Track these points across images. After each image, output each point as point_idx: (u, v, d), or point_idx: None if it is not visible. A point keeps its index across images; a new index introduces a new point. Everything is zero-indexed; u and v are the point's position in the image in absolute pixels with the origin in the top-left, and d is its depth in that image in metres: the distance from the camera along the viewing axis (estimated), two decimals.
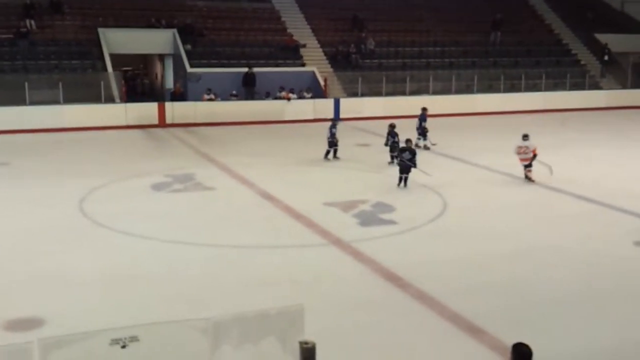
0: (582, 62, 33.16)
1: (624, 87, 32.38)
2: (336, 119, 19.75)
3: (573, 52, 33.78)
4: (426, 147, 20.31)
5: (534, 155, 16.33)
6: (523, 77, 30.17)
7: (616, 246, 11.71)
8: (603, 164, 18.65)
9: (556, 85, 30.35)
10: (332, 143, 18.92)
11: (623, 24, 35.59)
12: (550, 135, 21.75)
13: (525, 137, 16.65)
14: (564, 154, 18.86)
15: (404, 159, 15.59)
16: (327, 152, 18.92)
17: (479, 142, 21.90)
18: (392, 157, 17.76)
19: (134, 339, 4.06)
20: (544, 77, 30.37)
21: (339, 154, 18.98)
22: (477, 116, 27.40)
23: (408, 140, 16.23)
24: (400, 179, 15.52)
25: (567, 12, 35.99)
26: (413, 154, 15.69)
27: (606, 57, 32.84)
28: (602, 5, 37.02)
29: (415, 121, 20.86)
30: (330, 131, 19.01)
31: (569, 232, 12.51)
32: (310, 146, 21.22)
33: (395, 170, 16.39)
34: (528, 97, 29.38)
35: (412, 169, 15.58)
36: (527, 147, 16.44)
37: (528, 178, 16.34)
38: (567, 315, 8.88)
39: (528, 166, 16.44)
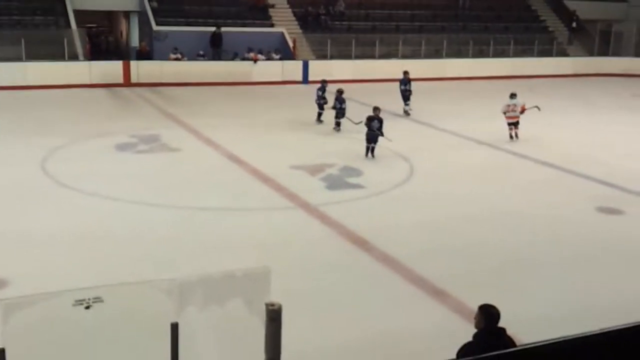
0: (551, 29, 33.33)
1: (591, 54, 32.66)
2: (324, 80, 19.34)
3: (542, 18, 33.91)
4: (406, 113, 20.24)
5: (523, 111, 17.27)
6: (492, 42, 30.23)
7: (578, 212, 11.91)
8: (568, 130, 18.87)
9: (524, 51, 30.51)
10: (320, 105, 18.86)
11: None
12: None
13: (513, 95, 17.49)
14: (529, 120, 19.01)
15: (373, 127, 15.00)
16: (319, 115, 18.89)
17: (447, 107, 21.98)
18: (337, 124, 17.67)
19: (97, 299, 4.01)
20: (512, 43, 30.47)
21: (322, 117, 18.88)
22: (446, 81, 27.46)
23: (376, 108, 15.46)
24: (368, 148, 15.04)
25: None
26: (381, 122, 15.12)
27: (574, 24, 33.04)
28: None
29: (397, 85, 20.76)
30: (317, 93, 18.98)
31: (532, 198, 12.68)
32: (278, 108, 21.11)
33: (361, 133, 16.36)
34: (496, 62, 29.50)
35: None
36: (515, 105, 17.28)
37: (513, 136, 17.21)
38: (529, 279, 9.04)
39: (516, 124, 17.26)
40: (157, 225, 10.54)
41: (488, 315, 5.11)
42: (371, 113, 15.34)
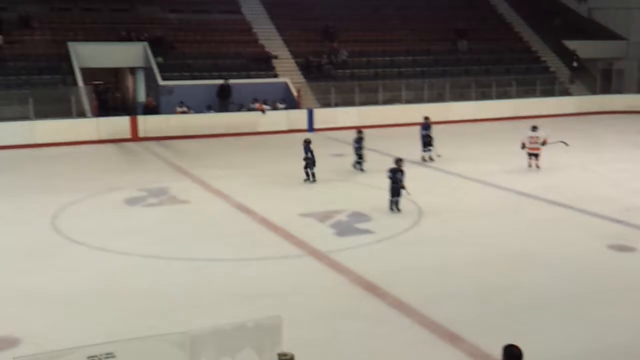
0: (552, 69, 33.62)
1: (593, 92, 32.86)
2: (360, 130, 19.15)
3: (542, 59, 34.24)
4: (431, 159, 19.93)
5: (544, 143, 18.25)
6: (494, 84, 30.49)
7: (590, 250, 11.85)
8: (574, 168, 18.87)
9: (526, 92, 30.75)
10: (359, 155, 18.81)
11: (591, 31, 36.17)
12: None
13: (535, 128, 18.55)
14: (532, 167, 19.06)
15: (397, 180, 14.25)
16: (359, 163, 18.76)
17: (453, 150, 22.04)
18: (307, 174, 17.29)
19: (110, 355, 4.01)
20: (514, 84, 30.73)
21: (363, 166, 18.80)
22: (450, 124, 27.61)
23: (399, 160, 14.61)
24: (392, 202, 14.27)
25: (535, 19, 36.50)
26: (403, 174, 14.41)
27: (575, 64, 33.35)
28: (569, 12, 37.62)
29: (419, 130, 20.50)
30: (354, 145, 18.96)
31: (542, 237, 12.63)
32: (284, 157, 21.23)
33: (364, 178, 16.44)
34: (499, 104, 29.70)
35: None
36: (537, 137, 18.32)
37: (532, 165, 18.32)
38: (543, 319, 8.95)
39: (536, 156, 18.33)
40: (168, 278, 10.53)
41: (509, 356, 5.08)
42: (393, 165, 14.53)
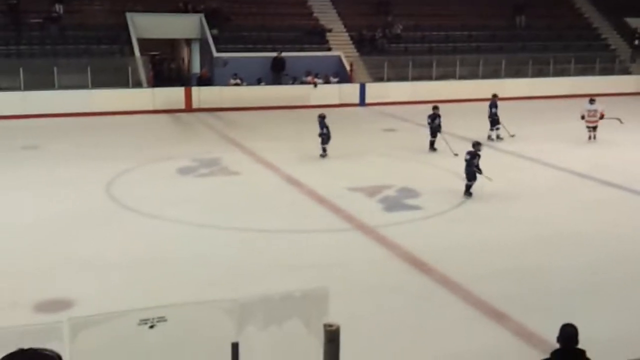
0: (612, 47, 32.62)
1: None
2: (436, 107, 18.31)
3: (603, 36, 33.23)
4: (499, 137, 19.26)
5: (602, 117, 18.63)
6: (552, 61, 29.75)
7: None
8: (631, 149, 18.38)
9: (585, 70, 29.90)
10: (433, 132, 18.00)
11: None
12: (579, 121, 21.52)
13: (592, 100, 18.98)
14: (591, 141, 18.66)
15: (474, 165, 13.61)
16: (432, 143, 18.02)
17: (507, 128, 21.70)
18: (323, 149, 16.95)
19: (161, 319, 4.14)
20: (572, 61, 29.92)
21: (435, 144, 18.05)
22: (505, 101, 27.03)
23: (477, 144, 14.02)
24: (468, 187, 13.69)
25: None
26: (479, 158, 13.77)
27: (637, 42, 32.28)
28: None
29: (486, 109, 19.90)
30: (427, 120, 18.12)
31: (596, 219, 12.41)
32: (335, 131, 21.17)
33: (414, 154, 16.32)
34: (556, 82, 28.98)
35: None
36: (595, 111, 18.78)
37: (592, 137, 18.84)
38: (595, 300, 8.85)
39: (594, 128, 18.80)
40: (218, 248, 10.74)
41: (565, 334, 5.06)
42: (471, 148, 13.87)
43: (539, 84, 28.66)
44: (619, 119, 19.77)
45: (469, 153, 13.78)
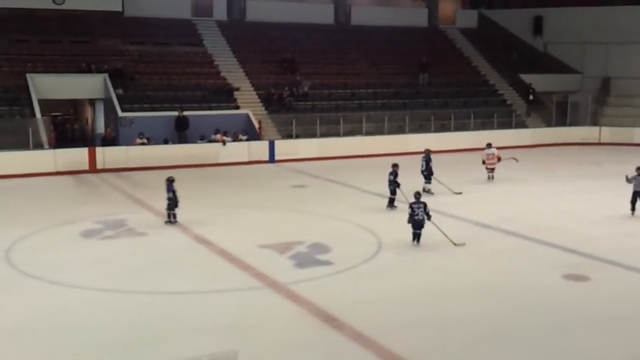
0: (509, 102, 34.33)
1: (549, 125, 33.59)
2: (395, 165, 18.29)
3: (499, 92, 34.97)
4: (430, 191, 19.44)
5: (499, 159, 21.42)
6: (452, 117, 30.98)
7: (545, 280, 12.01)
8: (530, 199, 19.18)
9: (484, 124, 31.25)
10: (392, 191, 17.88)
11: (546, 65, 37.14)
12: (479, 172, 22.33)
13: (489, 145, 21.91)
14: (492, 190, 19.37)
15: (420, 213, 14.11)
16: (391, 200, 17.84)
17: (412, 181, 22.21)
18: (168, 215, 15.99)
19: None
20: (472, 117, 31.25)
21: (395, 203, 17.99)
22: (409, 156, 27.86)
23: (418, 193, 14.58)
24: (415, 235, 14.17)
25: (493, 54, 37.35)
26: (425, 206, 14.21)
27: (531, 97, 34.11)
28: (525, 47, 38.54)
29: (420, 163, 20.20)
30: (389, 178, 17.99)
31: (499, 268, 12.77)
32: (245, 189, 21.19)
33: (325, 209, 16.43)
34: (458, 136, 30.15)
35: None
36: (492, 154, 21.57)
37: (490, 177, 21.68)
38: (501, 351, 9.02)
39: (493, 169, 21.70)
40: (124, 311, 10.36)
41: None
42: (413, 198, 14.41)
43: (441, 138, 29.68)
44: (515, 159, 22.88)
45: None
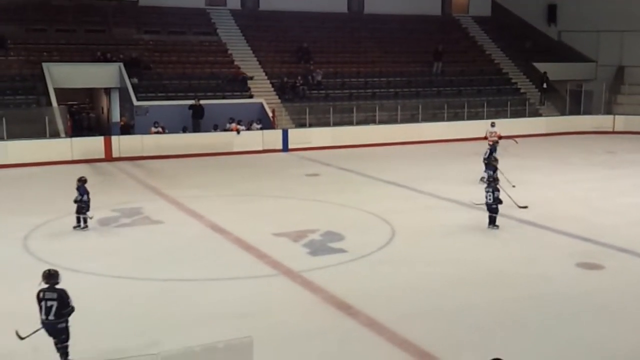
0: (522, 91, 34.18)
1: (562, 113, 33.44)
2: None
3: (513, 81, 34.81)
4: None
5: (500, 137, 22.42)
6: (466, 105, 30.91)
7: (559, 268, 12.06)
8: (544, 188, 19.18)
9: (498, 113, 31.11)
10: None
11: (560, 53, 36.90)
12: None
13: (493, 124, 23.23)
14: (505, 179, 19.28)
15: (488, 197, 14.58)
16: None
17: (425, 170, 22.32)
18: (78, 220, 14.48)
19: None
20: (485, 105, 31.16)
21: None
22: (422, 144, 27.93)
23: (484, 179, 15.39)
24: (489, 218, 14.69)
25: (506, 42, 37.14)
26: (493, 190, 14.57)
27: (545, 85, 33.94)
28: (539, 35, 38.32)
29: (484, 151, 20.07)
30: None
31: (513, 256, 12.83)
32: (259, 177, 21.31)
33: (338, 197, 16.53)
34: (471, 125, 30.05)
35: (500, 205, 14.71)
36: (495, 132, 22.66)
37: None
38: (515, 338, 9.09)
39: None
40: (140, 299, 10.52)
41: None
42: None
43: (454, 127, 29.66)
44: (515, 140, 23.96)
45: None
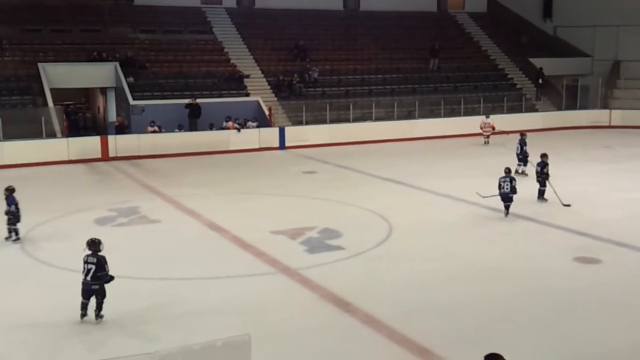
0: (518, 86, 34.21)
1: (559, 108, 33.48)
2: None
3: (509, 76, 34.84)
4: (524, 173, 19.78)
5: (494, 128, 26.12)
6: (462, 101, 30.93)
7: (556, 263, 12.09)
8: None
9: (494, 109, 31.12)
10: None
11: (556, 48, 36.94)
12: (491, 158, 22.37)
13: (487, 116, 26.84)
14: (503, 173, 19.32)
15: (505, 187, 15.16)
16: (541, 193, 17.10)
17: (421, 166, 22.33)
18: (9, 231, 13.62)
19: None
20: (482, 101, 31.19)
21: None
22: (419, 141, 27.94)
23: (508, 169, 15.70)
24: (505, 206, 15.28)
25: (502, 38, 37.17)
26: (511, 180, 15.24)
27: (540, 80, 33.97)
28: (535, 30, 38.35)
29: (516, 146, 20.49)
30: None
31: (510, 251, 12.86)
32: (256, 175, 21.31)
33: (335, 194, 16.55)
34: (467, 121, 30.06)
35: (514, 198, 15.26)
36: (489, 123, 26.25)
37: (487, 142, 26.64)
38: (513, 333, 9.11)
39: (488, 137, 26.61)
40: (138, 298, 10.51)
41: None
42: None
43: (451, 123, 29.68)
44: (506, 132, 26.22)
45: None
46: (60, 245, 13.46)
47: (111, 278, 9.55)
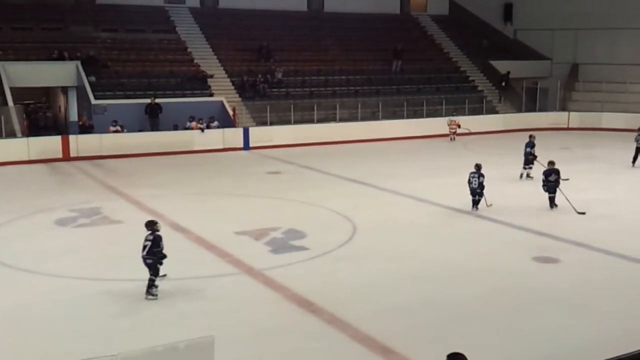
0: (480, 88, 34.68)
1: (519, 110, 34.03)
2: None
3: (470, 78, 35.29)
4: (529, 176, 19.95)
5: (459, 125, 28.42)
6: (425, 103, 31.26)
7: (516, 262, 12.32)
8: (502, 183, 19.47)
9: (456, 110, 31.49)
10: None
11: (516, 51, 37.55)
12: (452, 157, 22.64)
13: (454, 113, 29.10)
14: (465, 175, 19.59)
15: (474, 182, 15.91)
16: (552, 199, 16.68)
17: (385, 167, 22.50)
18: None
19: None
20: (444, 103, 31.56)
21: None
22: (383, 142, 28.15)
23: (477, 165, 16.19)
24: (472, 201, 16.02)
25: (464, 41, 37.63)
26: (479, 176, 15.88)
27: (504, 84, 34.50)
28: (496, 33, 38.92)
29: (523, 149, 20.52)
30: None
31: (471, 251, 13.05)
32: (220, 176, 21.24)
33: (299, 195, 16.59)
34: (430, 122, 30.40)
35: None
36: (455, 120, 28.47)
37: (453, 138, 28.57)
38: (475, 332, 9.26)
39: (454, 133, 28.68)
40: (99, 300, 10.42)
41: None
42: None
43: (414, 124, 29.97)
44: (468, 129, 28.69)
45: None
46: (19, 246, 13.29)
47: (164, 256, 10.52)
